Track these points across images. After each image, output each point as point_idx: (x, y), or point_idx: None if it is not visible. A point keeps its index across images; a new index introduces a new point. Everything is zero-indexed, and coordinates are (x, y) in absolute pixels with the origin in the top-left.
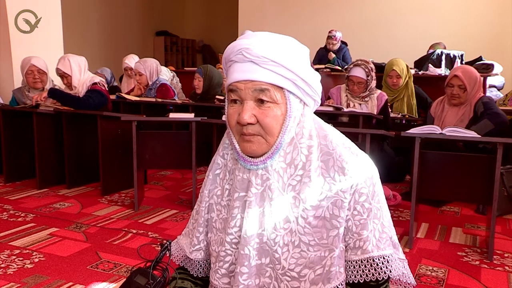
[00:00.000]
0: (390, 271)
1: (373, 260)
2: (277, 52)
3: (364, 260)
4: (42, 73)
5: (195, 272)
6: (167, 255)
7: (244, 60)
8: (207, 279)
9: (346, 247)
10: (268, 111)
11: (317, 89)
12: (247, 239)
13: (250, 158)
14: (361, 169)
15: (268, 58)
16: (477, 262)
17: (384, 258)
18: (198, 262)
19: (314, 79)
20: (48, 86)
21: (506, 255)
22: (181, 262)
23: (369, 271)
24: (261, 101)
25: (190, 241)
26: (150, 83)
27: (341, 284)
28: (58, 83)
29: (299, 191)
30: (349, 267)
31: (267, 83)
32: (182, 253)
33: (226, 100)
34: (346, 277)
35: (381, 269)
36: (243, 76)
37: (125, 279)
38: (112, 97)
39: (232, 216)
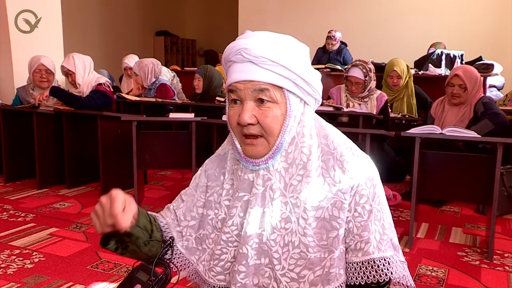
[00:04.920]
0: (391, 273)
1: (374, 262)
2: (276, 52)
3: (365, 262)
4: (49, 73)
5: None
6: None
7: (243, 60)
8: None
9: (346, 249)
10: (268, 112)
11: (317, 88)
12: (246, 238)
13: (252, 159)
14: (361, 170)
15: (267, 58)
16: (477, 262)
17: (385, 260)
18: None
19: (314, 78)
20: None
21: (506, 255)
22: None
23: (370, 273)
24: (261, 101)
25: (173, 220)
26: (145, 83)
27: (341, 286)
28: (62, 84)
29: (300, 191)
30: (350, 269)
31: (266, 83)
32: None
33: (226, 101)
34: (347, 278)
35: (382, 271)
36: (242, 77)
37: (127, 275)
38: None
39: (230, 215)
